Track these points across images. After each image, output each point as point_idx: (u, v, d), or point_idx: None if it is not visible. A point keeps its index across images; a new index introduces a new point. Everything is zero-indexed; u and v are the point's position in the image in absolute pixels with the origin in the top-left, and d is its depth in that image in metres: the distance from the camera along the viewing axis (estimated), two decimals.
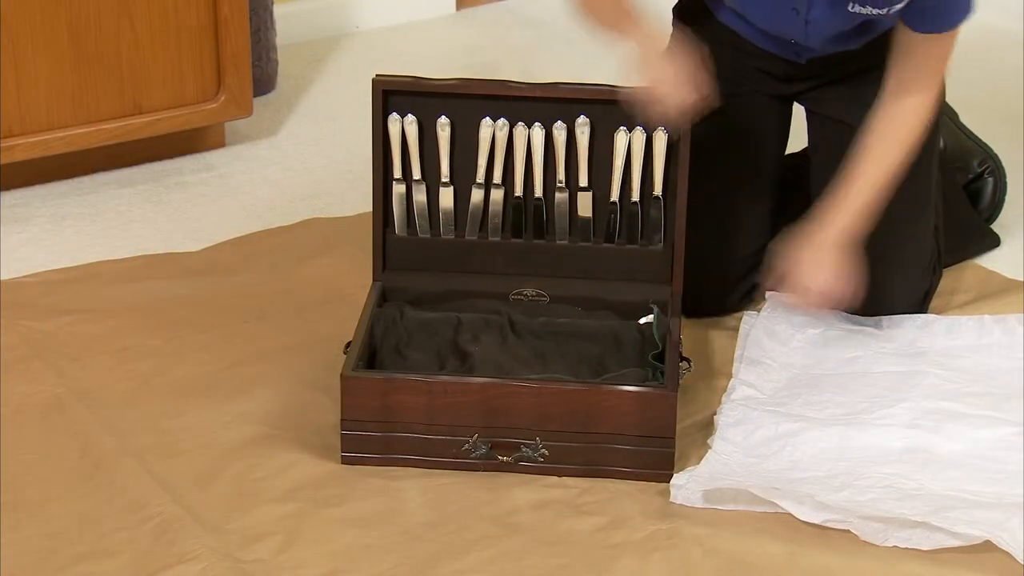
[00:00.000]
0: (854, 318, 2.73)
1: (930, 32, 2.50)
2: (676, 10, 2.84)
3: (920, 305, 2.76)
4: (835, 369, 2.63)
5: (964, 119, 3.19)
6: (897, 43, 2.54)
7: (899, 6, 2.48)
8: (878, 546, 2.29)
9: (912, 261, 2.73)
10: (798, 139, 2.87)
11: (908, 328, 2.72)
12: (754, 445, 2.46)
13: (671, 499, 2.37)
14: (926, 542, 2.28)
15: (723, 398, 2.58)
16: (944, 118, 3.05)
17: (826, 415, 2.53)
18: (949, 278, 2.89)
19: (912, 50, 2.53)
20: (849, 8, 2.51)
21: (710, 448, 2.46)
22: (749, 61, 2.72)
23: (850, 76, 2.68)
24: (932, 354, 2.66)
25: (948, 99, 3.22)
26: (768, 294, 2.73)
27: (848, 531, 2.32)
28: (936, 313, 2.80)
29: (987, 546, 2.28)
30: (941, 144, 3.00)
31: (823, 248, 2.52)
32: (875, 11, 2.50)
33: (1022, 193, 3.17)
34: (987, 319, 2.74)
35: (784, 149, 2.84)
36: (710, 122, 2.62)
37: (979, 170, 3.05)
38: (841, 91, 2.70)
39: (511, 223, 2.67)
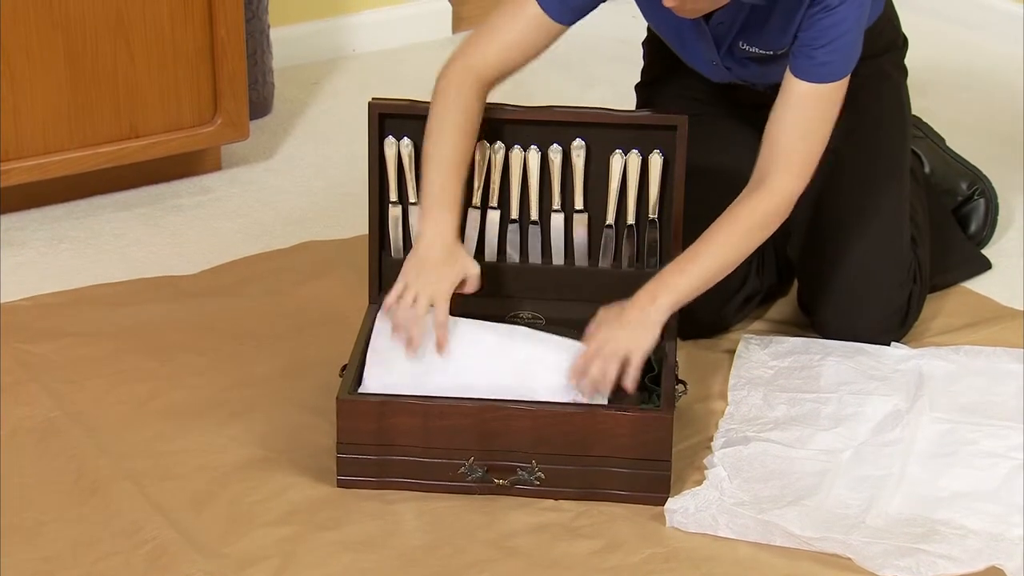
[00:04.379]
0: (852, 345, 2.73)
1: (809, 79, 2.46)
2: (647, 41, 2.87)
3: (899, 318, 2.77)
4: (831, 397, 2.63)
5: (960, 141, 3.20)
6: (776, 102, 2.50)
7: (784, 49, 2.50)
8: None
9: (887, 274, 2.73)
10: None
11: (906, 356, 2.72)
12: (751, 478, 2.45)
13: (667, 524, 2.37)
14: (927, 570, 2.28)
15: (719, 422, 2.58)
16: (929, 142, 3.07)
17: (822, 442, 2.53)
18: (940, 302, 2.89)
19: (788, 107, 2.47)
20: (741, 45, 2.56)
21: (707, 470, 2.46)
22: (717, 87, 2.77)
23: None
24: (930, 383, 2.66)
25: (941, 122, 3.24)
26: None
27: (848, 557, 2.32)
28: (931, 337, 2.80)
29: (987, 573, 2.29)
30: (927, 168, 3.01)
31: (642, 324, 2.43)
32: (762, 51, 2.55)
33: (1020, 216, 3.17)
34: (987, 350, 2.74)
35: None
36: (699, 144, 2.64)
37: (968, 192, 3.06)
38: None
39: (507, 246, 2.67)
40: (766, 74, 2.60)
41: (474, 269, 2.48)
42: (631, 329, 2.42)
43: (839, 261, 2.73)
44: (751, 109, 2.71)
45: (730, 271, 2.50)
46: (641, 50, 2.91)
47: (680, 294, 2.46)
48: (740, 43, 2.56)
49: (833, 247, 2.73)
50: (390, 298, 2.45)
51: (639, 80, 2.91)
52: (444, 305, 2.43)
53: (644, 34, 2.88)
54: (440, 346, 2.42)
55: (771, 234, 2.52)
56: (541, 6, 2.50)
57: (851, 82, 2.50)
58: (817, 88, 2.47)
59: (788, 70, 2.49)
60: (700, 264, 2.47)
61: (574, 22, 2.53)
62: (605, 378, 2.40)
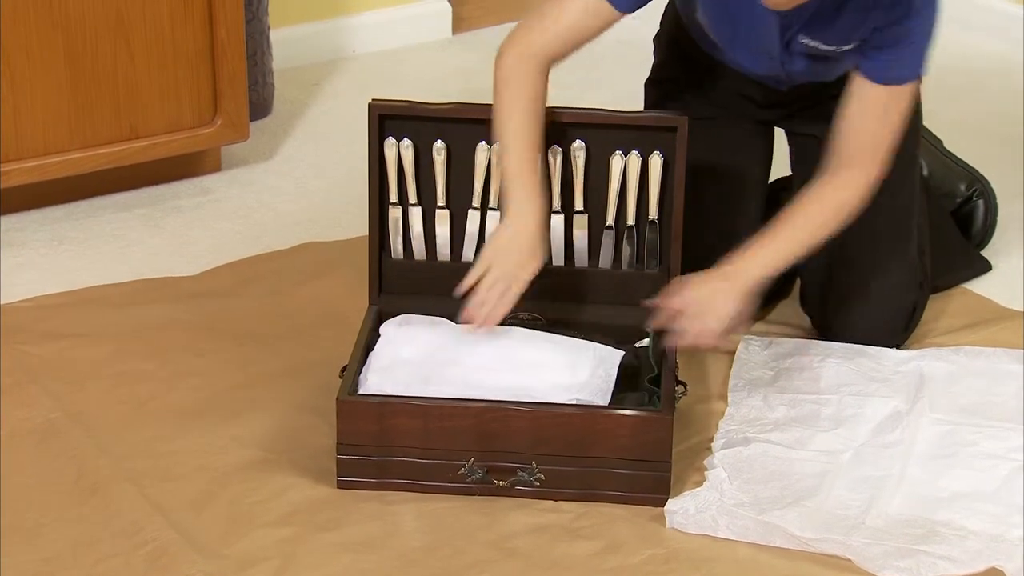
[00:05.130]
0: (852, 347, 2.73)
1: (884, 83, 2.47)
2: (659, 37, 2.86)
3: (903, 322, 2.77)
4: (831, 399, 2.63)
5: (960, 142, 3.20)
6: (848, 103, 2.52)
7: (848, 47, 2.49)
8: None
9: (894, 278, 2.73)
10: (781, 164, 2.87)
11: (906, 358, 2.72)
12: (751, 479, 2.45)
13: (667, 525, 2.37)
14: (927, 571, 2.28)
15: (719, 423, 2.58)
16: (927, 144, 3.07)
17: (822, 444, 2.53)
18: (940, 304, 2.89)
19: (863, 109, 2.50)
20: (801, 39, 2.53)
21: (707, 471, 2.46)
22: (732, 87, 2.75)
23: (825, 101, 2.67)
24: (930, 384, 2.66)
25: (941, 123, 3.24)
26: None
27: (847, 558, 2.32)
28: (931, 338, 2.80)
29: (987, 574, 2.29)
30: (925, 171, 3.01)
31: (729, 289, 2.47)
32: (824, 47, 2.53)
33: (1020, 217, 3.17)
34: (987, 351, 2.74)
35: (769, 171, 2.86)
36: (699, 147, 2.64)
37: (967, 193, 3.06)
38: (819, 112, 2.70)
39: None
40: (815, 72, 2.59)
41: (546, 260, 2.52)
42: (721, 293, 2.45)
43: (846, 263, 2.72)
44: (767, 109, 2.70)
45: (808, 253, 2.52)
46: (641, 51, 2.90)
47: (764, 268, 2.49)
48: (800, 37, 2.54)
49: (840, 249, 2.73)
50: (469, 279, 2.48)
51: (649, 76, 2.89)
52: (517, 292, 2.47)
53: (644, 35, 2.87)
54: (472, 319, 2.45)
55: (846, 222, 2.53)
56: None
57: None
58: (898, 89, 2.49)
59: (863, 75, 2.48)
60: (784, 242, 2.49)
61: (635, 10, 2.52)
62: (703, 331, 2.44)
